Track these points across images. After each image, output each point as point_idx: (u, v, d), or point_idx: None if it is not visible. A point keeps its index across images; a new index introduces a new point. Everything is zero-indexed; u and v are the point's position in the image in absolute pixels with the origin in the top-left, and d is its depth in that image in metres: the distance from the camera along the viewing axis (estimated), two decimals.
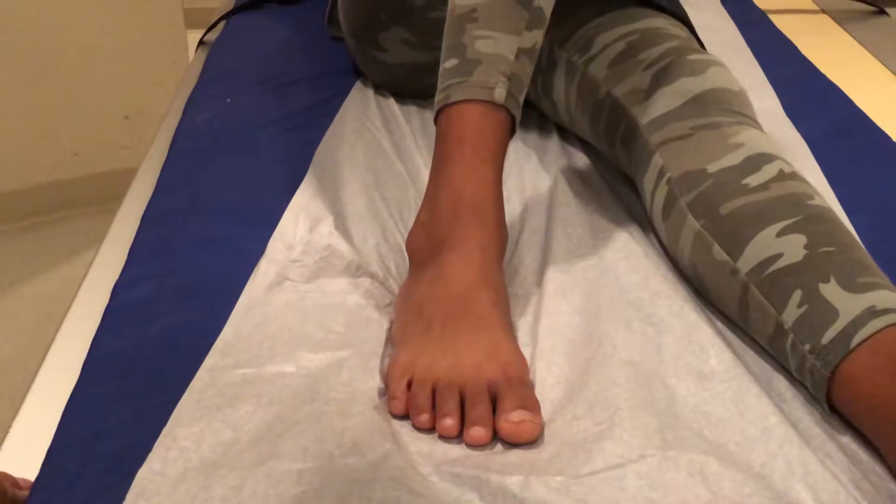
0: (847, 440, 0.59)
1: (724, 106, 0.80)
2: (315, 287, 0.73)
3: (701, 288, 0.73)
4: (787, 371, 0.65)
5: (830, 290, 0.62)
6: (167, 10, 1.76)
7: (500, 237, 0.72)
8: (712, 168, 0.73)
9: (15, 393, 0.71)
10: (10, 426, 0.63)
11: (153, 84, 1.73)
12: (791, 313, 0.63)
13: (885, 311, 0.59)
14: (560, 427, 0.60)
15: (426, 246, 0.72)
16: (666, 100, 0.81)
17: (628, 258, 0.77)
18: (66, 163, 1.75)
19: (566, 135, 1.01)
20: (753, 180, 0.71)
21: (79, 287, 0.80)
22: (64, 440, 0.59)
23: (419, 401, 0.61)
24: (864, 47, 1.48)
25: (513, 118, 0.74)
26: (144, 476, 0.55)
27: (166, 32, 1.76)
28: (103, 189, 1.71)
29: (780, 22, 1.46)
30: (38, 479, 0.56)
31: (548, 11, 0.77)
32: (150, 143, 1.06)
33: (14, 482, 0.61)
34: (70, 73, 1.69)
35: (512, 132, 0.75)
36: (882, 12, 1.66)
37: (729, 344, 0.67)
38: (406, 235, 0.76)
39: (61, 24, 1.66)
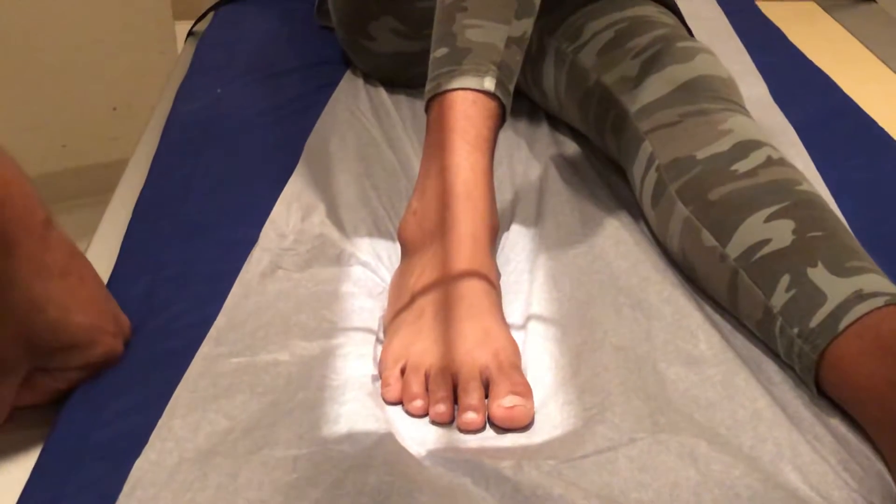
0: (836, 422, 0.60)
1: (712, 93, 0.80)
2: (308, 275, 0.73)
3: (690, 274, 0.73)
4: (776, 355, 0.65)
5: (818, 275, 0.62)
6: (155, 0, 1.75)
7: (491, 225, 0.72)
8: (701, 155, 0.74)
9: None
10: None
11: (142, 75, 1.72)
12: (779, 298, 0.63)
13: (872, 295, 0.60)
14: (552, 412, 0.61)
15: (418, 234, 0.72)
16: (655, 87, 0.82)
17: (618, 245, 0.77)
18: (55, 155, 1.74)
19: (556, 123, 1.01)
20: (742, 167, 0.71)
21: None
22: (60, 431, 0.59)
23: (412, 387, 0.61)
24: (853, 34, 1.48)
25: (503, 106, 0.74)
26: (141, 466, 0.55)
27: (154, 24, 1.75)
28: (92, 181, 1.70)
29: (768, 10, 1.46)
30: (34, 469, 0.56)
31: (537, 0, 0.77)
32: (140, 135, 1.06)
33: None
34: (58, 65, 1.68)
35: (502, 120, 0.75)
36: (869, 0, 1.66)
37: (718, 329, 0.68)
38: (397, 224, 0.76)
39: (48, 15, 1.65)
